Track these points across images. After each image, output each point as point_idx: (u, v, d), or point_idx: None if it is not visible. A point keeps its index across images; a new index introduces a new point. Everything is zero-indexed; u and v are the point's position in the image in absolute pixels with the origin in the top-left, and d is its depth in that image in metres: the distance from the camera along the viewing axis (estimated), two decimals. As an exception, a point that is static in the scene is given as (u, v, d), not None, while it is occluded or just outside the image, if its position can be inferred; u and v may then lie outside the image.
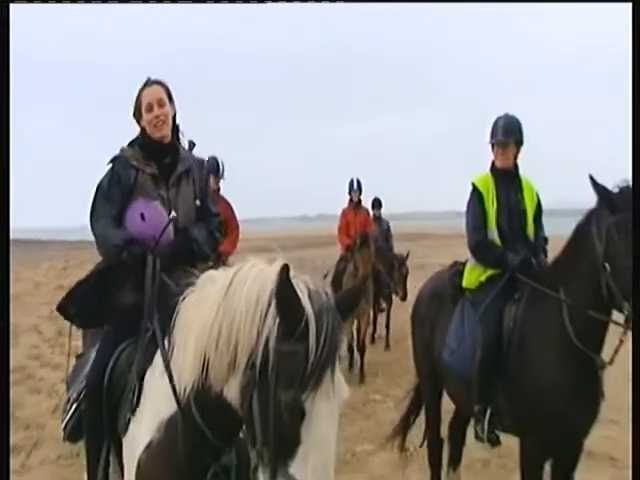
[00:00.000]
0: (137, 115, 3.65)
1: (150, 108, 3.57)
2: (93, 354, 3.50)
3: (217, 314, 2.44)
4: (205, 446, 2.69)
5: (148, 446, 2.81)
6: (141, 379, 3.01)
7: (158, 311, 3.12)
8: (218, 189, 9.17)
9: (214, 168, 8.34)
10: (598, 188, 4.16)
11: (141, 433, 2.87)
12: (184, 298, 2.71)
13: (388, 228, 13.53)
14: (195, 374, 2.55)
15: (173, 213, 3.49)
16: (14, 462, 5.64)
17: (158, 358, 2.93)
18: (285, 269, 2.18)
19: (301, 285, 2.29)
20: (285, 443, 2.16)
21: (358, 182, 11.62)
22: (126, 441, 3.02)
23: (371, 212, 12.97)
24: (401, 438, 5.86)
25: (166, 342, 2.87)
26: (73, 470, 5.93)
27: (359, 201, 11.68)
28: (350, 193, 11.59)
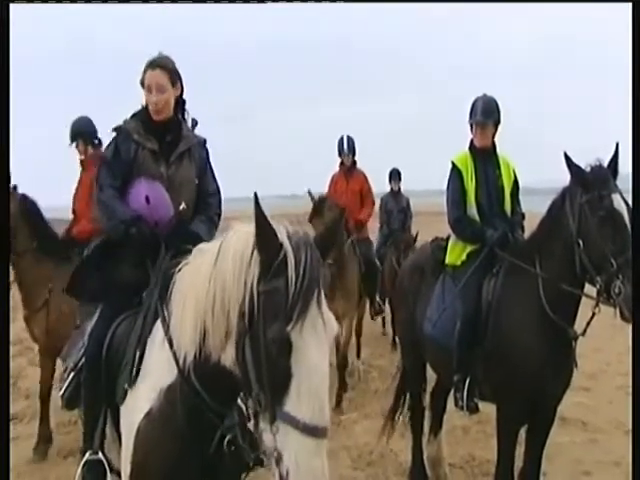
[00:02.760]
0: (142, 86, 3.62)
1: (149, 91, 3.56)
2: (90, 326, 3.52)
3: (210, 283, 2.49)
4: (206, 412, 2.72)
5: (148, 413, 2.83)
6: (141, 349, 3.04)
7: (158, 285, 3.15)
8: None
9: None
10: (572, 167, 4.29)
11: (140, 401, 2.90)
12: (179, 270, 2.78)
13: (408, 205, 11.28)
14: (194, 344, 2.59)
15: (183, 205, 3.50)
16: (15, 430, 5.82)
17: (156, 329, 2.99)
18: (258, 204, 2.27)
19: (280, 226, 2.36)
20: (278, 380, 2.19)
21: (349, 140, 9.00)
22: (124, 409, 3.05)
23: (389, 186, 11.23)
24: (391, 412, 5.94)
25: (165, 313, 2.92)
26: (71, 438, 6.05)
27: (353, 164, 9.09)
28: (340, 155, 9.06)
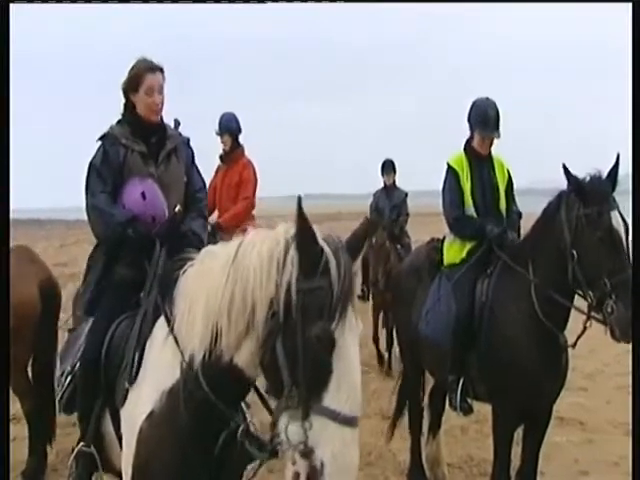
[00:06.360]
0: (130, 90, 3.63)
1: (151, 93, 3.58)
2: (87, 327, 3.54)
3: (227, 282, 2.52)
4: (212, 413, 2.72)
5: (150, 414, 2.84)
6: (141, 350, 3.05)
7: (157, 285, 3.18)
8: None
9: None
10: (571, 179, 4.29)
11: (142, 402, 2.90)
12: (184, 271, 2.82)
13: (403, 201, 9.60)
14: (204, 345, 2.61)
15: (179, 207, 3.58)
16: (15, 430, 5.80)
17: (157, 330, 3.00)
18: (301, 207, 2.32)
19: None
20: (317, 376, 2.27)
21: (222, 118, 6.92)
22: (125, 411, 3.05)
23: (382, 179, 9.69)
24: (396, 413, 5.96)
25: (168, 313, 2.93)
26: (71, 439, 6.00)
27: (235, 149, 6.95)
28: (221, 136, 6.94)
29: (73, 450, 3.42)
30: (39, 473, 5.54)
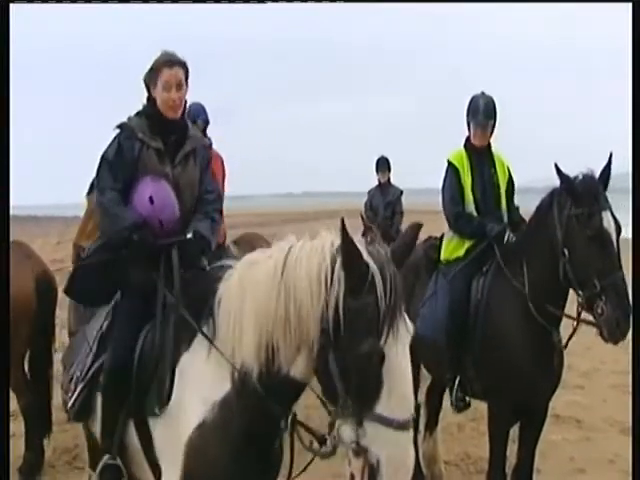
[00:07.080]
0: (150, 84, 3.51)
1: (169, 88, 3.43)
2: (92, 332, 3.47)
3: (278, 299, 2.56)
4: (267, 417, 2.77)
5: (200, 426, 2.84)
6: (174, 364, 3.01)
7: (185, 296, 3.14)
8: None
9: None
10: (563, 178, 4.28)
11: (187, 414, 2.89)
12: (222, 283, 2.85)
13: (398, 199, 9.53)
14: (260, 359, 2.66)
15: (189, 235, 3.42)
16: (12, 427, 5.81)
17: (198, 344, 2.97)
18: (345, 228, 2.35)
19: (360, 245, 2.45)
20: (369, 388, 2.34)
21: (190, 107, 6.49)
22: (161, 421, 3.01)
23: (376, 176, 9.61)
24: None
25: (205, 327, 2.93)
26: (68, 436, 6.08)
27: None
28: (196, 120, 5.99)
29: (93, 462, 3.45)
30: (36, 469, 5.54)
